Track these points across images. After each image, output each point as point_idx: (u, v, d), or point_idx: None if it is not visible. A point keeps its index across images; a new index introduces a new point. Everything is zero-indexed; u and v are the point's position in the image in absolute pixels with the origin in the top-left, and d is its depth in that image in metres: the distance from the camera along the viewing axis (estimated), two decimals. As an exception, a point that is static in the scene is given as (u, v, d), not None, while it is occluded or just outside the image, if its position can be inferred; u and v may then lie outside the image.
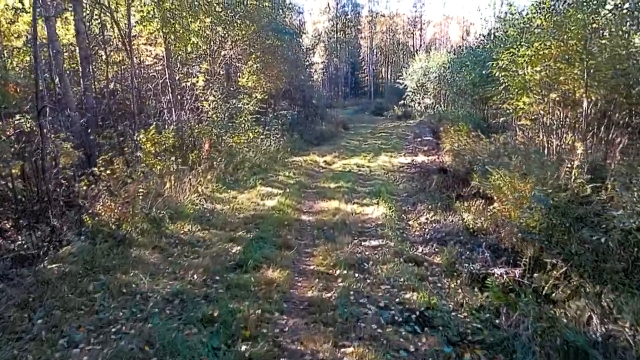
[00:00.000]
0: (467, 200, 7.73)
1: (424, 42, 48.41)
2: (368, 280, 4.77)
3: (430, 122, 22.40)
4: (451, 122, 15.80)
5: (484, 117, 17.26)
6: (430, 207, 7.66)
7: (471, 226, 6.41)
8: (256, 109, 15.33)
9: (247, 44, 17.87)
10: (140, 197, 7.23)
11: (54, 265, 5.33)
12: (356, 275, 4.90)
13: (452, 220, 6.68)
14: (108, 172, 7.48)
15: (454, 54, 24.97)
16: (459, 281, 4.81)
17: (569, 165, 6.56)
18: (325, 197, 8.85)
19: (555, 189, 6.18)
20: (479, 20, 43.13)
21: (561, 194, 6.08)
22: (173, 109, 13.82)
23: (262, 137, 14.47)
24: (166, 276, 5.01)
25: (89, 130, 10.45)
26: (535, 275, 4.82)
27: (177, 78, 14.85)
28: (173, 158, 9.71)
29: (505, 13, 27.81)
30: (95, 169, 7.59)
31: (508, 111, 11.78)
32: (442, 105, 26.96)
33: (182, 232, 6.62)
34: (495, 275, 4.84)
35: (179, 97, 14.82)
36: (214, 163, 10.49)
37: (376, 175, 11.48)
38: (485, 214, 6.74)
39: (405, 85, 29.99)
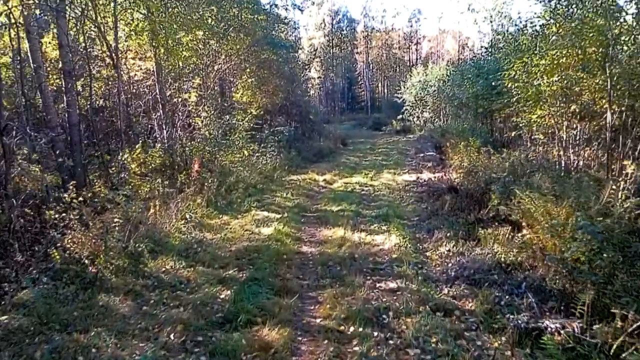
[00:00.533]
0: (489, 226, 6.73)
1: (420, 57, 47.82)
2: (391, 342, 3.70)
3: (431, 137, 21.49)
4: (458, 137, 14.85)
5: (490, 131, 16.35)
6: (448, 234, 6.64)
7: (503, 259, 5.38)
8: (251, 125, 14.38)
9: (241, 58, 16.99)
10: (117, 228, 6.19)
11: (3, 318, 4.29)
12: (375, 333, 3.83)
13: (479, 253, 5.64)
14: (80, 198, 6.45)
15: (454, 67, 24.17)
16: (503, 339, 3.77)
17: (614, 187, 5.57)
18: (328, 223, 7.82)
19: (601, 215, 5.19)
20: (476, 34, 42.63)
21: (607, 221, 5.09)
22: (164, 126, 12.92)
23: (257, 154, 13.49)
24: (136, 335, 3.94)
25: (72, 151, 9.45)
26: (597, 327, 3.80)
27: (168, 94, 13.93)
28: (159, 180, 8.68)
29: (504, 25, 27.19)
30: (66, 195, 6.55)
31: (522, 124, 10.85)
32: (442, 119, 26.14)
33: (163, 269, 5.57)
34: (550, 329, 3.81)
35: (170, 113, 13.93)
36: (205, 184, 9.46)
37: (381, 195, 10.47)
38: (515, 243, 5.73)
39: (404, 99, 29.19)
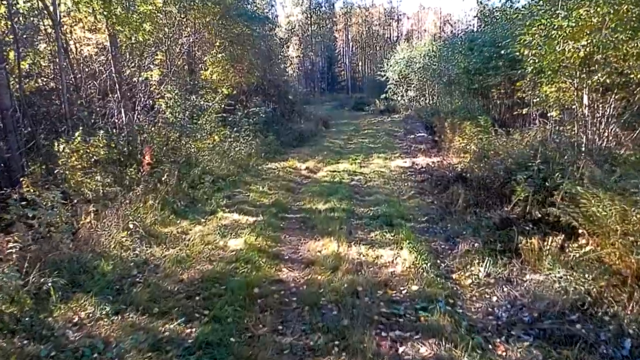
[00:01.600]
0: (528, 232, 4.99)
1: (401, 34, 45.67)
2: None
3: (419, 116, 19.72)
4: (453, 116, 13.12)
5: (487, 109, 14.60)
6: (476, 244, 4.87)
7: (574, 290, 3.62)
8: (222, 106, 12.38)
9: (212, 33, 14.85)
10: (15, 253, 4.26)
11: None
12: None
13: (536, 281, 3.88)
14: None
15: (443, 41, 22.31)
16: None
17: None
18: (315, 228, 5.98)
19: None
20: (459, 8, 40.77)
21: None
22: (122, 109, 10.91)
23: (229, 140, 11.51)
24: None
25: (6, 141, 7.43)
26: None
27: (127, 72, 11.87)
28: (99, 177, 6.72)
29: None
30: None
31: (535, 99, 9.10)
32: (428, 97, 24.36)
33: (75, 320, 3.68)
34: None
35: (128, 94, 11.91)
36: (162, 179, 7.53)
37: (375, 187, 8.66)
38: (584, 264, 3.99)
39: (387, 77, 27.23)
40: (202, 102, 11.95)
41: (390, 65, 26.89)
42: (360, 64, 45.89)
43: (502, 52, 10.34)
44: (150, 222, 6.19)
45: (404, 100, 26.09)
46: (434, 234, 5.63)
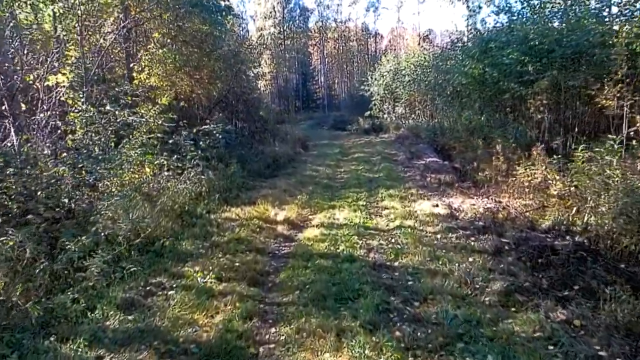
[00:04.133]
0: None
1: (379, 50, 42.06)
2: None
3: (417, 136, 15.65)
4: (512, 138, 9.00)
5: (517, 126, 10.61)
6: None
7: None
8: (161, 122, 7.95)
9: (159, 29, 10.46)
10: None
11: None
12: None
13: None
14: None
15: (441, 48, 18.49)
16: None
17: None
18: None
19: None
20: (438, 24, 37.61)
21: None
22: (12, 128, 6.67)
23: (167, 173, 7.12)
24: None
25: None
26: None
27: (31, 77, 7.70)
28: None
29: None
30: None
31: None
32: (420, 113, 20.48)
33: None
34: None
35: (24, 105, 7.76)
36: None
37: (419, 269, 4.38)
38: None
39: (371, 92, 23.22)
40: (129, 117, 7.50)
41: (375, 79, 22.91)
42: (337, 81, 41.91)
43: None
44: None
45: (391, 117, 22.11)
46: None
